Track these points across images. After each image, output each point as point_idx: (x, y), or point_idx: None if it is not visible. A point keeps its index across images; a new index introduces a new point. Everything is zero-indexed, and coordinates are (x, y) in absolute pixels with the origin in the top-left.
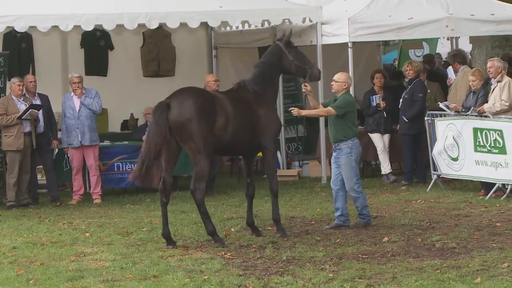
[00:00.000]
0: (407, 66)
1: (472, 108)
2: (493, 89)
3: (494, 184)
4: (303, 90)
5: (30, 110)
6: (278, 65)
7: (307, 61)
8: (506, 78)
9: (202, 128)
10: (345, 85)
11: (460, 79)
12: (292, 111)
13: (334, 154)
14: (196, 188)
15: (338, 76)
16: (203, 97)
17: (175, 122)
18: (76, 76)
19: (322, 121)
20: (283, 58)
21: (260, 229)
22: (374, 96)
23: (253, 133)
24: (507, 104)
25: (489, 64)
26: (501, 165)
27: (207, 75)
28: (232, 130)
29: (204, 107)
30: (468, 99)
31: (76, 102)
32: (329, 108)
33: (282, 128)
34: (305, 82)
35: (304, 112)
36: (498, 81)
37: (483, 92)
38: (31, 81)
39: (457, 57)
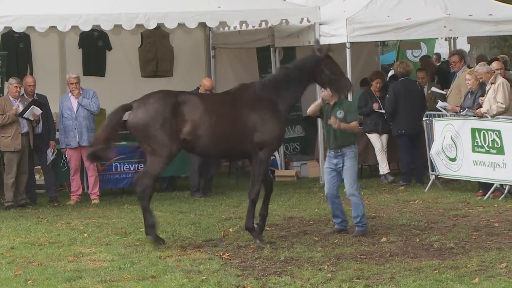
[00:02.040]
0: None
1: (467, 109)
2: (487, 91)
3: (492, 184)
4: (323, 97)
5: (31, 107)
6: (308, 76)
7: (341, 74)
8: (500, 79)
9: (157, 133)
10: None
11: (461, 80)
12: (333, 123)
13: (333, 161)
14: (139, 182)
15: None
16: (166, 103)
17: (132, 124)
18: (73, 76)
19: (320, 121)
20: (318, 71)
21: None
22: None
23: (240, 139)
24: (504, 106)
25: (476, 73)
26: (499, 165)
27: (204, 79)
28: (207, 135)
29: (163, 113)
30: (466, 99)
31: (74, 102)
32: (356, 123)
33: None
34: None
35: (343, 126)
36: (492, 83)
37: (481, 92)
38: (30, 85)
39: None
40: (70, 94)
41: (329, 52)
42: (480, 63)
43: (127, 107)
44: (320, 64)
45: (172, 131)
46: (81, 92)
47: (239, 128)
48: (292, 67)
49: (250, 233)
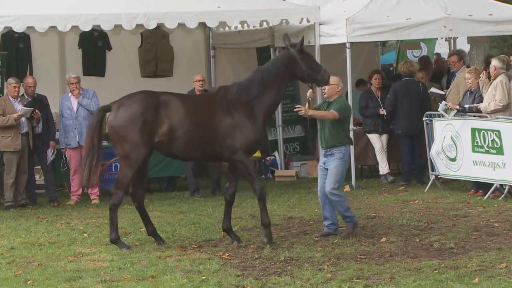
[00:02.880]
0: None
1: (467, 106)
2: (488, 87)
3: (491, 184)
4: (308, 97)
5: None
6: (286, 73)
7: (319, 68)
8: (500, 77)
9: (132, 135)
10: (338, 87)
11: (461, 80)
12: (298, 110)
13: (323, 159)
14: (113, 193)
15: (331, 79)
16: (144, 104)
17: (108, 126)
18: (73, 76)
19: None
20: (296, 67)
21: (238, 235)
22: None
23: (214, 143)
24: (502, 104)
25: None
26: (498, 165)
27: (195, 75)
28: (184, 137)
29: (140, 115)
30: (464, 99)
31: (74, 102)
32: (334, 111)
33: (280, 128)
34: (312, 88)
35: (310, 112)
36: (492, 79)
37: (480, 92)
38: (31, 86)
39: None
40: (70, 94)
41: (301, 46)
42: (498, 57)
43: (106, 108)
44: (295, 60)
45: (148, 134)
46: (81, 92)
47: (213, 132)
48: (266, 67)
49: (264, 229)
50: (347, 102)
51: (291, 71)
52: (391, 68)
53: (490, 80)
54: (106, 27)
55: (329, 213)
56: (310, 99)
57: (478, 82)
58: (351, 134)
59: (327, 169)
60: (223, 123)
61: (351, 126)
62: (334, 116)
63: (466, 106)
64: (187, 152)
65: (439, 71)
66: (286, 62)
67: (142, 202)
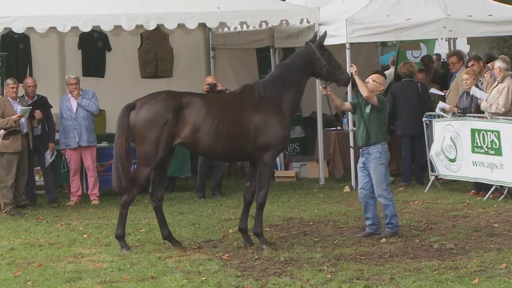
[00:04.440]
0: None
1: (468, 107)
2: (493, 88)
3: (490, 185)
4: (322, 93)
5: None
6: (306, 68)
7: (339, 66)
8: (507, 82)
9: (151, 135)
10: (380, 87)
11: (459, 81)
12: (322, 89)
13: (361, 159)
14: (127, 190)
15: (376, 77)
16: (166, 105)
17: (131, 124)
18: (73, 77)
19: (320, 122)
20: (315, 62)
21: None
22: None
23: (243, 142)
24: (503, 110)
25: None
26: (496, 166)
27: (207, 77)
28: (207, 137)
29: (161, 116)
30: (461, 100)
31: (73, 103)
32: (374, 95)
33: None
34: (324, 85)
35: (357, 78)
36: (499, 82)
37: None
38: (31, 86)
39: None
40: (69, 95)
41: (322, 41)
42: (501, 58)
43: (131, 106)
44: (315, 55)
45: (168, 136)
46: (81, 93)
47: (242, 131)
48: (290, 62)
49: (258, 238)
50: (385, 98)
51: (311, 67)
52: (391, 67)
53: (493, 80)
54: (106, 27)
55: (371, 213)
56: (327, 95)
57: (476, 84)
58: (351, 136)
59: (365, 169)
60: (253, 121)
61: (351, 127)
62: (372, 96)
63: (473, 106)
64: (214, 152)
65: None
66: (307, 57)
67: (160, 203)
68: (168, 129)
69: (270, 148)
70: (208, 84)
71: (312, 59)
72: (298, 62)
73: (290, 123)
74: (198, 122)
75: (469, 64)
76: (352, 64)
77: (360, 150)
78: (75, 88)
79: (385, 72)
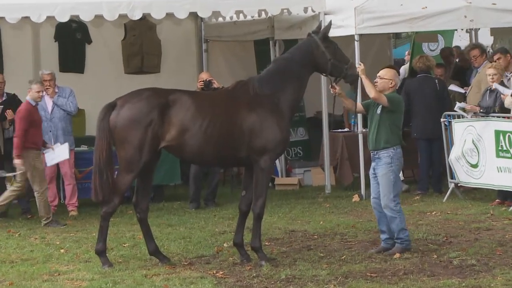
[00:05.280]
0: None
1: (492, 106)
2: None
3: None
4: (331, 92)
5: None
6: (309, 63)
7: (346, 60)
8: None
9: (134, 137)
10: (391, 83)
11: (483, 76)
12: (332, 89)
13: (372, 164)
14: (107, 200)
15: (384, 72)
16: (151, 103)
17: (112, 125)
18: (47, 73)
19: (325, 123)
20: (319, 55)
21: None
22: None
23: (236, 144)
24: None
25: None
26: None
27: (201, 73)
28: (196, 140)
29: (146, 114)
30: (484, 98)
31: (48, 102)
32: (382, 94)
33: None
34: (334, 84)
35: (363, 76)
36: None
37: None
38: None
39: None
40: (44, 93)
41: (326, 33)
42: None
43: (112, 106)
44: (319, 48)
45: (153, 138)
46: (57, 91)
47: (235, 132)
48: (290, 56)
49: (256, 253)
50: (400, 97)
51: (314, 61)
52: (405, 63)
53: None
54: (86, 17)
55: (386, 226)
56: (336, 94)
57: (502, 80)
58: (360, 139)
59: (376, 175)
60: (248, 121)
61: (361, 128)
62: (380, 97)
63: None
64: (204, 157)
65: (462, 67)
66: (309, 50)
67: (145, 214)
68: (153, 130)
69: (267, 152)
70: (202, 81)
71: (315, 53)
72: (298, 56)
73: (290, 124)
74: (186, 122)
75: (495, 57)
76: (360, 63)
77: (371, 154)
78: (49, 86)
79: (401, 69)
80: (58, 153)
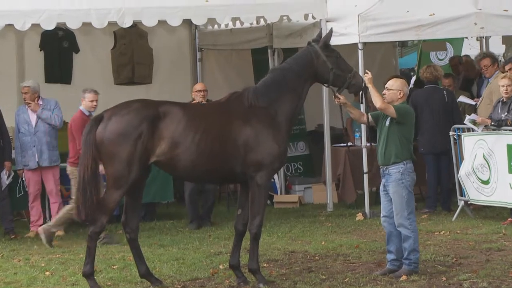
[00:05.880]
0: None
1: (504, 116)
2: None
3: None
4: (336, 103)
5: None
6: (309, 73)
7: (349, 69)
8: None
9: (122, 152)
10: (400, 93)
11: (494, 87)
12: (336, 100)
13: (382, 181)
14: (95, 218)
15: (392, 83)
16: (140, 114)
17: (98, 140)
18: (26, 85)
19: (327, 137)
20: (319, 65)
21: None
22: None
23: (231, 160)
24: None
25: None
26: None
27: (196, 85)
28: (188, 154)
29: (135, 127)
30: (496, 110)
31: (32, 115)
32: (390, 105)
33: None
34: (337, 93)
35: (370, 85)
36: None
37: None
38: None
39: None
40: (26, 106)
41: (327, 41)
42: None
43: (98, 119)
44: (319, 57)
45: (143, 152)
46: (41, 103)
47: (229, 147)
48: (288, 65)
49: (253, 276)
50: (410, 109)
51: (313, 71)
52: (412, 73)
53: None
54: (73, 25)
55: (394, 246)
56: (341, 105)
57: None
58: (364, 154)
59: (387, 192)
60: (242, 134)
61: (364, 142)
62: (387, 107)
63: (503, 115)
64: (196, 173)
65: (469, 77)
66: (309, 59)
67: (135, 234)
68: (143, 144)
69: (264, 167)
70: (198, 92)
71: (316, 62)
72: (297, 66)
73: (287, 138)
74: (177, 136)
75: (506, 67)
76: (367, 71)
77: (381, 170)
78: (29, 99)
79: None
80: (3, 179)
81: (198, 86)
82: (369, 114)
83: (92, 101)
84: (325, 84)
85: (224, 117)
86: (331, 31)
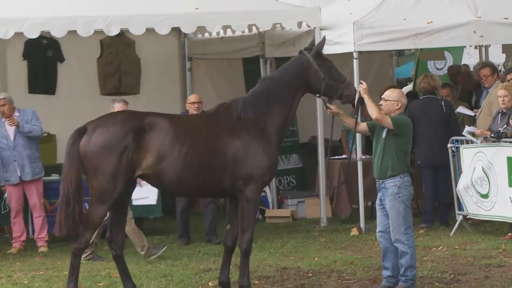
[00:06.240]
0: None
1: (505, 126)
2: None
3: None
4: (328, 113)
5: None
6: (300, 82)
7: (342, 79)
8: None
9: (106, 165)
10: (398, 104)
11: (494, 98)
12: (328, 110)
13: (379, 194)
14: (78, 235)
15: (388, 93)
16: (125, 126)
17: (82, 152)
18: (2, 98)
19: (321, 150)
20: (311, 75)
21: None
22: None
23: (220, 173)
24: None
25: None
26: None
27: (190, 96)
28: (174, 168)
29: (120, 139)
30: (495, 122)
31: (10, 129)
32: (387, 116)
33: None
34: (328, 103)
35: (366, 96)
36: None
37: None
38: None
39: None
40: (3, 119)
41: (319, 50)
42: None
43: (82, 131)
44: (311, 66)
45: (128, 166)
46: (17, 115)
47: (217, 159)
48: (278, 75)
49: None
50: (408, 120)
51: (305, 81)
52: (409, 83)
53: None
54: (58, 33)
55: (390, 263)
56: (334, 115)
57: None
58: (359, 166)
59: (383, 206)
60: (230, 147)
61: (360, 155)
62: (383, 118)
63: (500, 129)
64: (183, 187)
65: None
66: (301, 68)
67: (121, 251)
68: (128, 157)
69: (253, 181)
70: (192, 104)
71: (307, 72)
72: (288, 75)
73: (278, 150)
74: (164, 148)
75: (508, 77)
76: (362, 82)
77: (377, 183)
78: (9, 111)
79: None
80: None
81: (192, 98)
82: (365, 123)
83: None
84: (317, 95)
85: (212, 129)
86: (324, 39)
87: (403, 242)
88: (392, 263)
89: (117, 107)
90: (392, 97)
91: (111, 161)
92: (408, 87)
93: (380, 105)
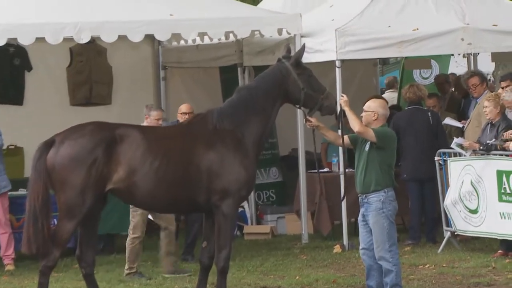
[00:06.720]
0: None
1: (493, 139)
2: None
3: None
4: (307, 126)
5: None
6: (278, 92)
7: (322, 89)
8: None
9: (75, 179)
10: (374, 115)
11: (482, 108)
12: (307, 123)
13: (361, 210)
14: (46, 252)
15: (368, 104)
16: (95, 137)
17: (49, 166)
18: None
19: (302, 163)
20: (289, 84)
21: None
22: None
23: (195, 187)
24: None
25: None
26: None
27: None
28: (146, 182)
29: (89, 151)
30: (484, 134)
31: None
32: (369, 128)
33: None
34: (308, 116)
35: (347, 109)
36: None
37: (505, 124)
38: None
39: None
40: None
41: (298, 58)
42: (508, 88)
43: (49, 143)
44: (290, 75)
45: (98, 179)
46: None
47: (191, 173)
48: (255, 84)
49: None
50: (391, 132)
51: (283, 90)
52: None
53: None
54: (25, 41)
55: (374, 281)
56: (314, 128)
57: (499, 112)
58: (342, 180)
59: (366, 222)
60: (205, 159)
61: (342, 169)
62: (366, 131)
63: (489, 142)
64: (156, 202)
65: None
66: (279, 77)
67: (91, 269)
68: (97, 170)
69: (230, 195)
70: (183, 114)
71: (286, 81)
72: (265, 85)
73: (256, 162)
74: (135, 161)
75: (503, 84)
76: (342, 94)
77: (359, 198)
78: None
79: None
80: None
81: (184, 108)
82: (347, 136)
83: (158, 119)
84: (296, 105)
85: (186, 141)
86: (303, 47)
87: (387, 259)
88: (377, 282)
89: (154, 115)
90: (371, 107)
91: (80, 174)
92: (388, 95)
93: (361, 116)
